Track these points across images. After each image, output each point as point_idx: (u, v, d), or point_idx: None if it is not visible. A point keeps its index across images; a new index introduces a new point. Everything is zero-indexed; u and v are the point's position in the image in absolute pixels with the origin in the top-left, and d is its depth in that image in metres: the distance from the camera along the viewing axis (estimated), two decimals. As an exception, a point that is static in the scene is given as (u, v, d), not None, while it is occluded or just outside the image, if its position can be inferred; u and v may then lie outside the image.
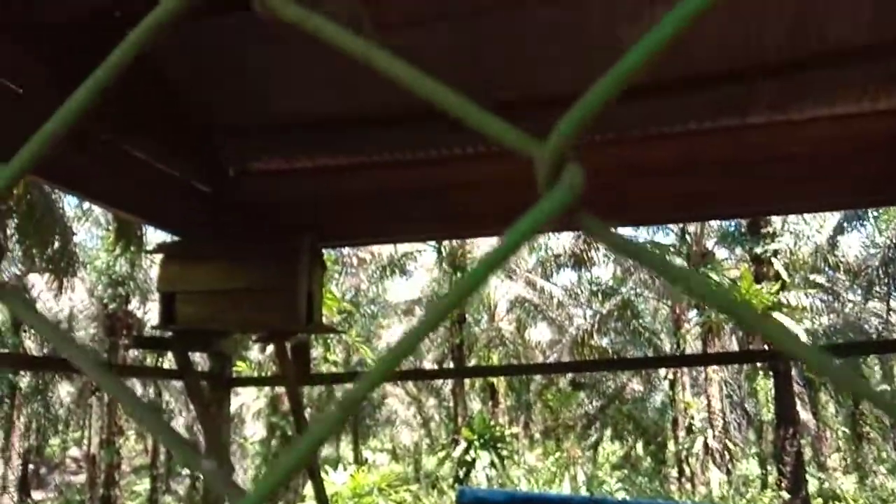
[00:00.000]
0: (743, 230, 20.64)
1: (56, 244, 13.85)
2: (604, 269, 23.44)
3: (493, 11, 3.06)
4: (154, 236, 15.66)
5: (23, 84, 3.01)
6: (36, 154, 0.40)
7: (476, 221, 4.51)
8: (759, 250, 20.03)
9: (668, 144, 4.16)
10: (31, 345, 21.70)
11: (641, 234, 21.01)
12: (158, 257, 4.28)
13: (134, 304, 21.61)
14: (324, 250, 4.29)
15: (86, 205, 17.29)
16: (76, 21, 3.05)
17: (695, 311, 21.66)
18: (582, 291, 25.68)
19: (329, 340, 20.34)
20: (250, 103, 4.14)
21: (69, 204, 16.80)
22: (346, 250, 20.53)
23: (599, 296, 24.08)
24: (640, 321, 22.66)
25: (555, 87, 2.95)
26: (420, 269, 24.10)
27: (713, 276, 20.00)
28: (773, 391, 20.48)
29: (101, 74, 0.39)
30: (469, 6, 3.09)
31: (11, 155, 0.42)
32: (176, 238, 4.35)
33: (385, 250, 22.24)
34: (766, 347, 15.40)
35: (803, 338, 18.44)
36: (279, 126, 4.28)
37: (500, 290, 22.94)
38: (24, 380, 22.38)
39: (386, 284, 24.87)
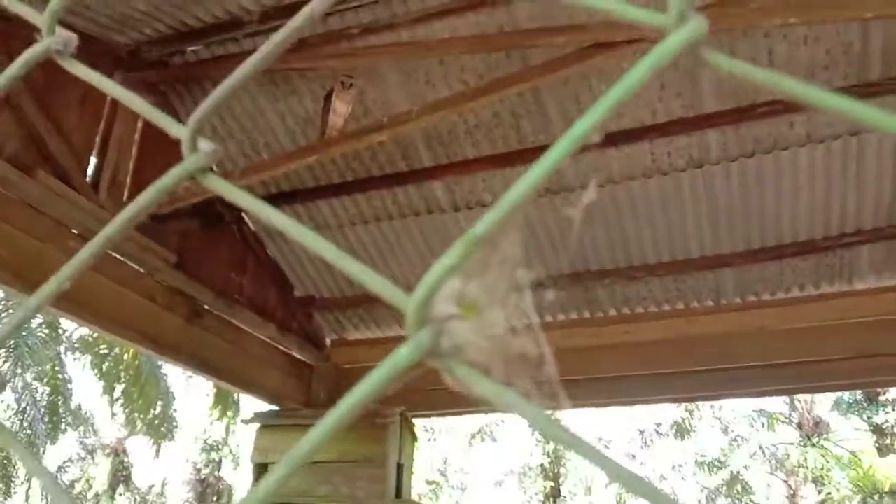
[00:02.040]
0: (859, 397, 19.10)
1: (158, 409, 14.33)
2: (708, 438, 21.97)
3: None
4: (249, 400, 15.92)
5: (143, 264, 3.28)
6: None
7: (563, 389, 4.38)
8: (879, 420, 18.38)
9: (768, 311, 4.02)
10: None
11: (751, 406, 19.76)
12: (253, 424, 4.33)
13: (227, 468, 21.66)
14: (414, 419, 4.25)
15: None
16: (184, 214, 3.37)
17: (812, 485, 19.70)
18: (686, 463, 23.94)
19: (417, 512, 19.52)
20: (349, 277, 4.33)
21: (172, 370, 17.50)
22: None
23: (705, 468, 22.36)
24: (752, 497, 20.75)
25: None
26: (512, 436, 23.29)
27: (829, 447, 18.35)
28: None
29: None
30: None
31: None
32: (271, 407, 4.41)
33: (476, 416, 21.73)
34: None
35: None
36: (373, 297, 4.43)
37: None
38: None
39: (476, 453, 24.02)
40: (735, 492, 20.60)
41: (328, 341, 4.84)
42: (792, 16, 2.36)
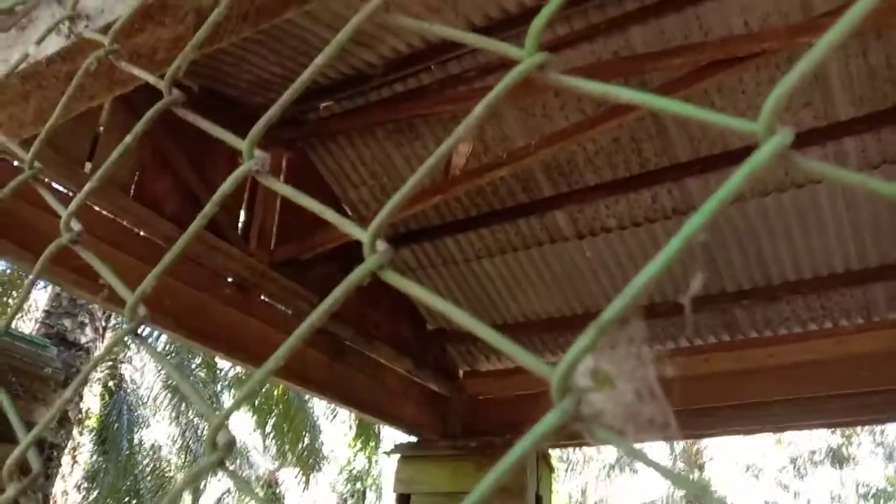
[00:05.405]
0: None
1: (306, 441, 15.00)
2: (871, 467, 20.16)
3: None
4: (389, 431, 16.30)
5: (290, 306, 3.52)
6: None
7: (704, 416, 4.22)
8: None
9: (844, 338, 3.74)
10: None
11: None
12: (394, 456, 4.49)
13: (371, 498, 22.20)
14: (550, 450, 4.24)
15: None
16: (324, 258, 3.59)
17: None
18: (846, 495, 22.04)
19: (558, 545, 19.12)
20: (481, 307, 4.42)
21: (318, 403, 18.22)
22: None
23: (870, 500, 20.49)
24: (931, 532, 18.77)
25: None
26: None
27: None
28: None
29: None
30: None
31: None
32: (410, 437, 4.55)
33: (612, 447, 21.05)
34: None
35: None
36: (506, 327, 4.49)
37: (743, 491, 20.47)
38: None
39: (615, 483, 23.27)
40: (909, 525, 18.75)
41: (461, 373, 4.94)
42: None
